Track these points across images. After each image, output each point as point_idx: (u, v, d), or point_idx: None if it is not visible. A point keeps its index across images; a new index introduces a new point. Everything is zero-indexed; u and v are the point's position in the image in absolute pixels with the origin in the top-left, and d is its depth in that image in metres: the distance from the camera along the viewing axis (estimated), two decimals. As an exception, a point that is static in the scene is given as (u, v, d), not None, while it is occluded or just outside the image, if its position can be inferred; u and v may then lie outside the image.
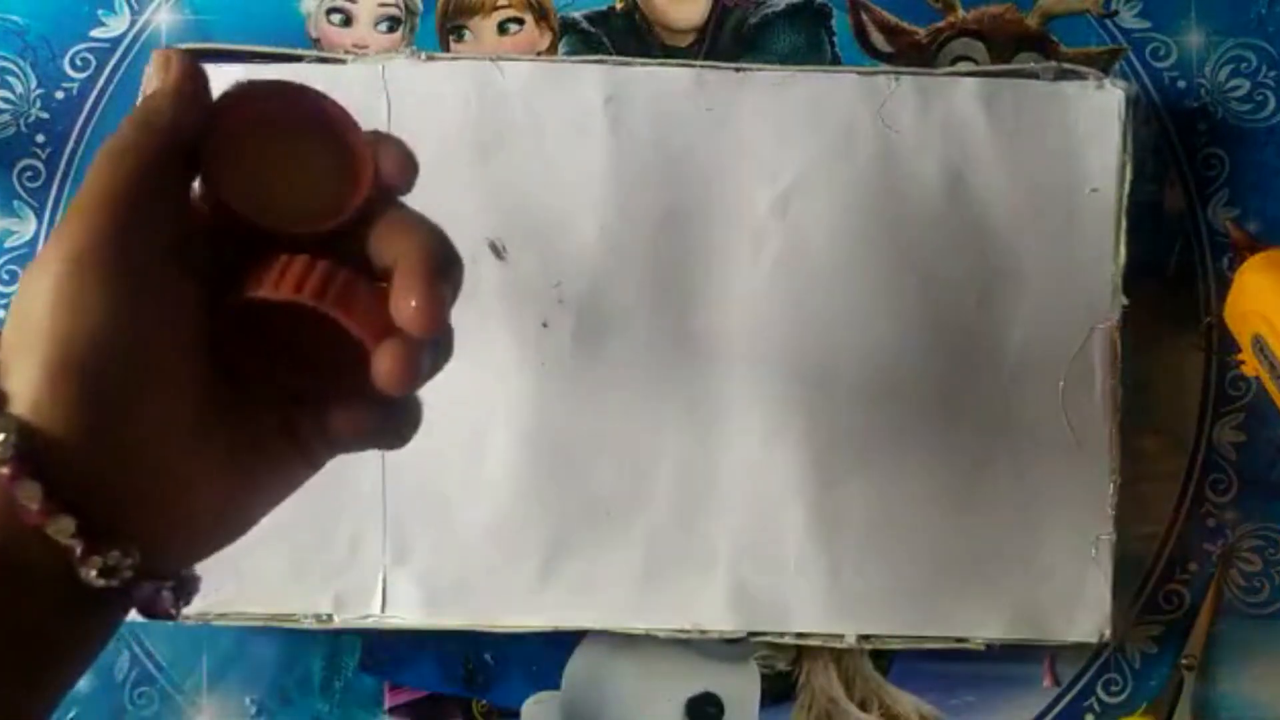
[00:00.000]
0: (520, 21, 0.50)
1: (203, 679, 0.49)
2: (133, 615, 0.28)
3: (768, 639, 0.47)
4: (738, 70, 0.47)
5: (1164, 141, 0.49)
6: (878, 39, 0.50)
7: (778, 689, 0.49)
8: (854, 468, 0.46)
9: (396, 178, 0.30)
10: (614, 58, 0.47)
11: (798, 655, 0.49)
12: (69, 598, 0.26)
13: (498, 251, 0.47)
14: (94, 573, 0.25)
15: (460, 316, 0.46)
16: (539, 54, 0.50)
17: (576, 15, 0.50)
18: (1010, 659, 0.47)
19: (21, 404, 0.25)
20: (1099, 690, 0.48)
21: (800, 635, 0.46)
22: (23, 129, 0.49)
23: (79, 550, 0.25)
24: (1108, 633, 0.46)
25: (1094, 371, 0.46)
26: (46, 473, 0.25)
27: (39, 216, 0.49)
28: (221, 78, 0.47)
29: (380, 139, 0.31)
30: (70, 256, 0.26)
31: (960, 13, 0.50)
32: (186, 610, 0.39)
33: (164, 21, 0.49)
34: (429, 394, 0.46)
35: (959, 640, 0.46)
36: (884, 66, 0.49)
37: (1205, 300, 0.49)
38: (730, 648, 0.48)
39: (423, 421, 0.33)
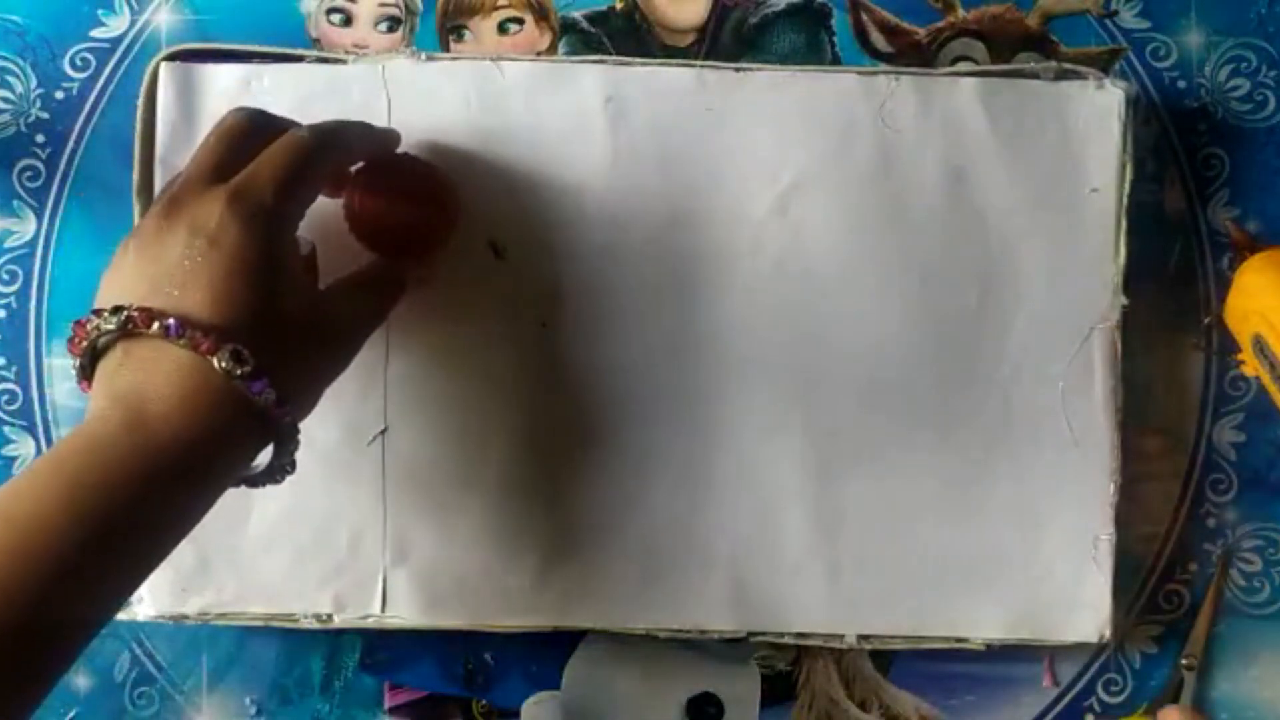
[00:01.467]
0: (520, 21, 0.50)
1: (203, 679, 0.49)
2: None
3: (768, 639, 0.47)
4: (738, 70, 0.47)
5: (1164, 141, 0.49)
6: (878, 39, 0.50)
7: (778, 689, 0.49)
8: (854, 468, 0.46)
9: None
10: (614, 58, 0.47)
11: (798, 655, 0.49)
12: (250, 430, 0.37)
13: (498, 251, 0.47)
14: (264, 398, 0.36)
15: (460, 316, 0.47)
16: (539, 54, 0.50)
17: (576, 15, 0.50)
18: (1010, 659, 0.48)
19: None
20: (1099, 690, 0.48)
21: (800, 635, 0.46)
22: (23, 129, 0.49)
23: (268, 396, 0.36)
24: (1108, 633, 0.46)
25: (1094, 371, 0.46)
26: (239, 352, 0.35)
27: (39, 216, 0.49)
28: (222, 78, 0.47)
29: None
30: (274, 211, 0.37)
31: (960, 13, 0.50)
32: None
33: (164, 21, 0.49)
34: (430, 393, 0.46)
35: (959, 640, 0.46)
36: (884, 66, 0.49)
37: (1205, 300, 0.49)
38: (730, 648, 0.48)
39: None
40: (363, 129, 0.43)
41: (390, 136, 0.45)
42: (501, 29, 0.50)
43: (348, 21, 0.50)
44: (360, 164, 0.43)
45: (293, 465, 0.39)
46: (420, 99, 0.47)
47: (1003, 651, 0.46)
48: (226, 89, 0.47)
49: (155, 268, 0.36)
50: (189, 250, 0.36)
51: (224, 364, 0.34)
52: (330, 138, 0.40)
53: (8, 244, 0.49)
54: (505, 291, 0.46)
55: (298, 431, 0.38)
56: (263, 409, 0.36)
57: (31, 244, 0.49)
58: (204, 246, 0.36)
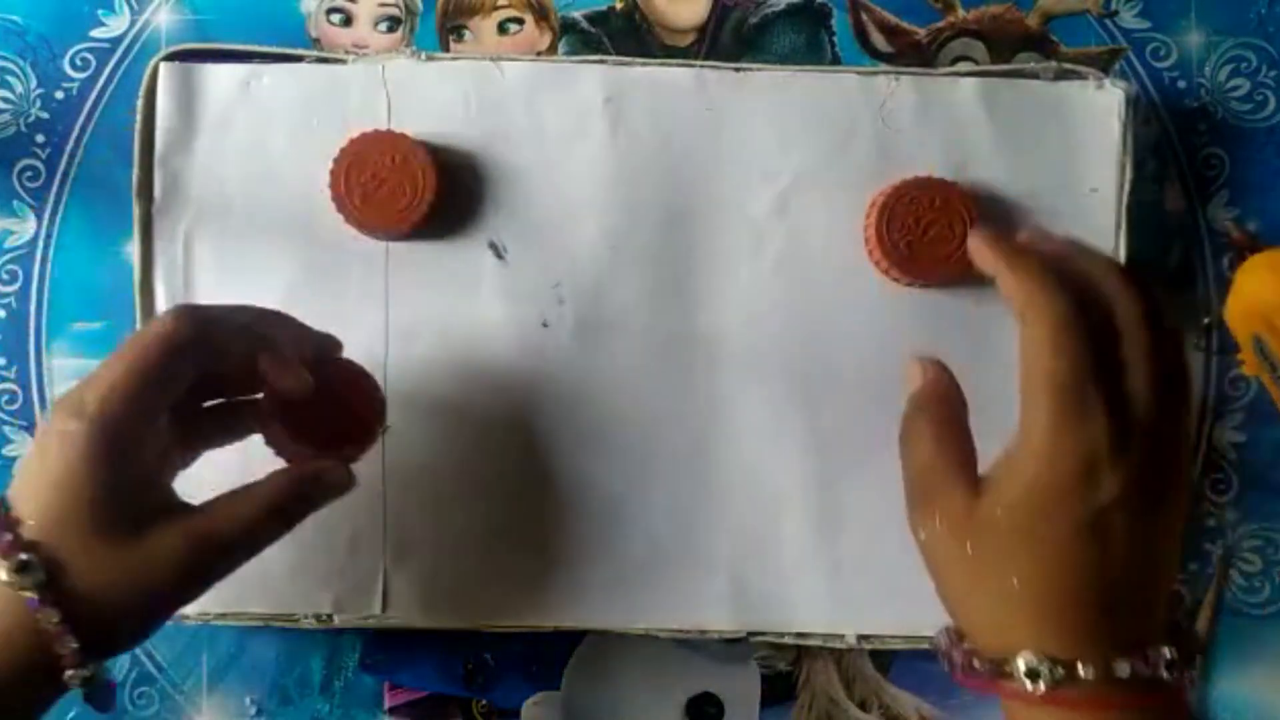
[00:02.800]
0: (520, 21, 0.50)
1: (203, 679, 0.49)
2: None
3: (768, 639, 0.47)
4: (738, 70, 0.47)
5: (1164, 141, 0.49)
6: (878, 39, 0.50)
7: (778, 689, 0.49)
8: (854, 468, 0.46)
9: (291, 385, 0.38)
10: (614, 58, 0.47)
11: (798, 655, 0.49)
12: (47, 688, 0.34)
13: (498, 251, 0.47)
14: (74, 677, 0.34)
15: (460, 316, 0.47)
16: (539, 54, 0.50)
17: (576, 15, 0.50)
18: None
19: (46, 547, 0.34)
20: (1099, 690, 0.48)
21: (800, 635, 0.46)
22: (23, 129, 0.49)
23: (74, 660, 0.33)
24: (1108, 633, 0.46)
25: (1094, 371, 0.46)
26: (61, 600, 0.33)
27: (39, 216, 0.49)
28: (222, 78, 0.47)
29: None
30: (94, 419, 0.34)
31: (960, 13, 0.50)
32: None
33: (164, 21, 0.49)
34: (432, 392, 0.46)
35: (959, 640, 0.46)
36: (884, 66, 0.49)
37: (1205, 300, 0.49)
38: (730, 648, 0.48)
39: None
40: (293, 330, 0.40)
41: (328, 343, 0.41)
42: (501, 29, 0.50)
43: (348, 21, 0.50)
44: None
45: (107, 704, 0.35)
46: (420, 99, 0.47)
47: (1003, 651, 0.46)
48: (226, 89, 0.47)
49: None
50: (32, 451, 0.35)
51: (8, 572, 0.32)
52: (211, 334, 0.36)
53: (8, 244, 0.49)
54: (505, 291, 0.46)
55: (98, 674, 0.34)
56: (48, 634, 0.33)
57: (31, 244, 0.49)
58: (33, 451, 0.35)
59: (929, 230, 0.44)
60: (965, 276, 0.45)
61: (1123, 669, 0.32)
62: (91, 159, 0.49)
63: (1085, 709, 0.32)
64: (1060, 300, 0.34)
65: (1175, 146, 0.49)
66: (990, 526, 0.34)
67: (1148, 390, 0.34)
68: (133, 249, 0.47)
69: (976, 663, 0.34)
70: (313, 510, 0.39)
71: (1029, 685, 0.32)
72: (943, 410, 0.38)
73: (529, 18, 0.50)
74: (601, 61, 0.47)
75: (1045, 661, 0.32)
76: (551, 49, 0.50)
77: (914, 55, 0.50)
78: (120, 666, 0.48)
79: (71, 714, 0.48)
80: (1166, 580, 0.35)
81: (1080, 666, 0.32)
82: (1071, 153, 0.46)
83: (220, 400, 0.40)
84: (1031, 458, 0.34)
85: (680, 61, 0.48)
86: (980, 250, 0.38)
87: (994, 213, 0.46)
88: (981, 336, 0.46)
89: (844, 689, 0.49)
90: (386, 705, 0.49)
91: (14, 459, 0.49)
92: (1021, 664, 0.33)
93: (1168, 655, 0.32)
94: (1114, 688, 0.32)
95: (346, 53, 0.48)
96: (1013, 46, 0.49)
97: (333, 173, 0.45)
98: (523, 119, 0.47)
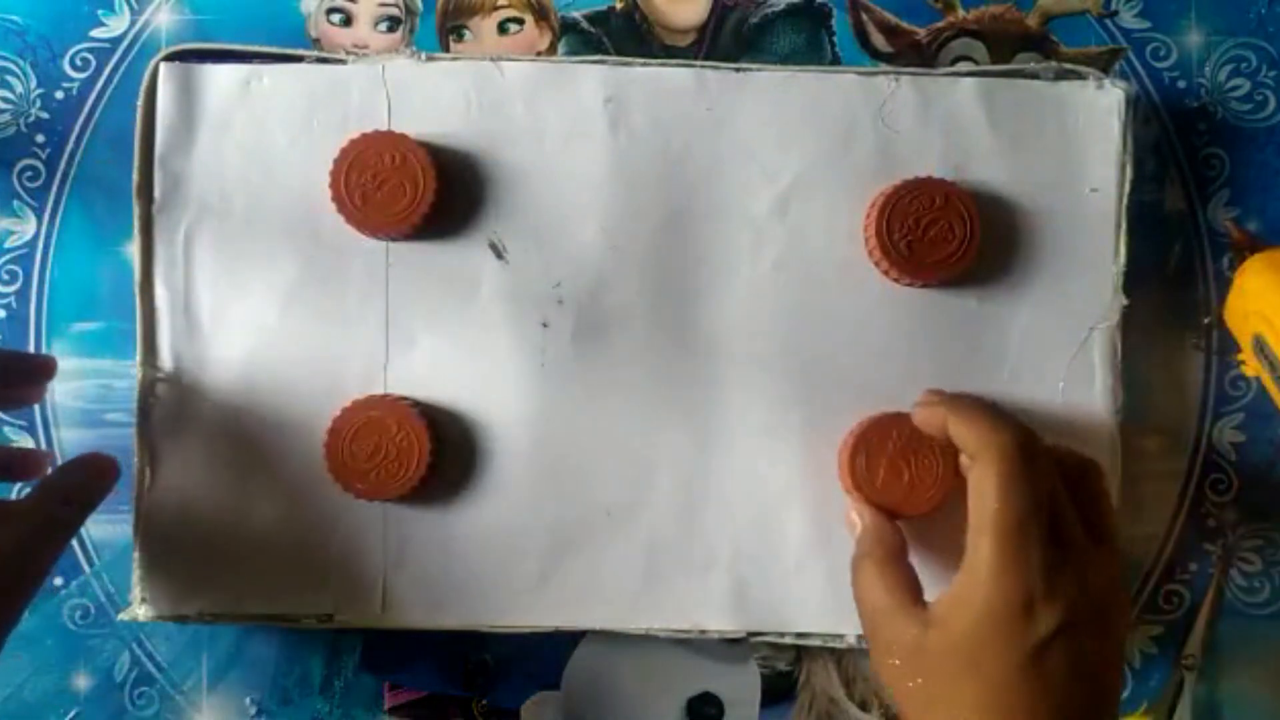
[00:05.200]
0: (520, 21, 0.50)
1: (203, 679, 0.49)
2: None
3: (768, 639, 0.47)
4: (738, 70, 0.47)
5: (1164, 141, 0.49)
6: (878, 39, 0.50)
7: (778, 689, 0.49)
8: (854, 468, 0.46)
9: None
10: (614, 58, 0.47)
11: (798, 655, 0.49)
12: None
13: (498, 251, 0.47)
14: None
15: (460, 316, 0.47)
16: (539, 54, 0.50)
17: (576, 15, 0.50)
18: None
19: None
20: (1099, 690, 0.48)
21: (800, 635, 0.46)
22: (23, 129, 0.49)
23: None
24: (1108, 633, 0.46)
25: (1094, 371, 0.46)
26: None
27: (39, 216, 0.49)
28: (222, 78, 0.47)
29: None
30: None
31: (960, 13, 0.50)
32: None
33: (164, 21, 0.49)
34: (430, 393, 0.46)
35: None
36: (884, 66, 0.49)
37: (1205, 300, 0.49)
38: (730, 648, 0.48)
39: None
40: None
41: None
42: (501, 29, 0.50)
43: (348, 21, 0.50)
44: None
45: None
46: (420, 99, 0.47)
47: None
48: (226, 89, 0.47)
49: None
50: None
51: None
52: None
53: (8, 244, 0.49)
54: (505, 291, 0.46)
55: None
56: None
57: (31, 244, 0.49)
58: None
59: (929, 230, 0.44)
60: (965, 277, 0.45)
61: None
62: (91, 159, 0.49)
63: None
64: (1009, 438, 0.38)
65: (1175, 146, 0.49)
66: (939, 661, 0.37)
67: (1083, 524, 0.39)
68: (133, 249, 0.47)
69: None
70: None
71: None
72: (883, 552, 0.41)
73: (529, 18, 0.50)
74: (601, 61, 0.47)
75: None
76: (551, 49, 0.50)
77: (914, 55, 0.50)
78: (120, 666, 0.49)
79: (72, 714, 0.48)
80: (1109, 708, 0.38)
81: None
82: (1071, 153, 0.46)
83: None
84: (975, 594, 0.36)
85: (680, 61, 0.48)
86: (925, 409, 0.42)
87: (994, 213, 0.46)
88: (981, 336, 0.46)
89: (844, 689, 0.49)
90: (386, 705, 0.49)
91: (14, 459, 0.49)
92: None
93: None
94: None
95: (346, 53, 0.48)
96: (1013, 46, 0.49)
97: (333, 173, 0.45)
98: (523, 119, 0.47)
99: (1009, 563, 0.36)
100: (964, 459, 0.40)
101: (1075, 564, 0.37)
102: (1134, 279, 0.46)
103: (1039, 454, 0.38)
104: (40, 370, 0.45)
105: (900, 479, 0.44)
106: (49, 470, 0.46)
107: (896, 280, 0.46)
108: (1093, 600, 0.37)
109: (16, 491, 0.47)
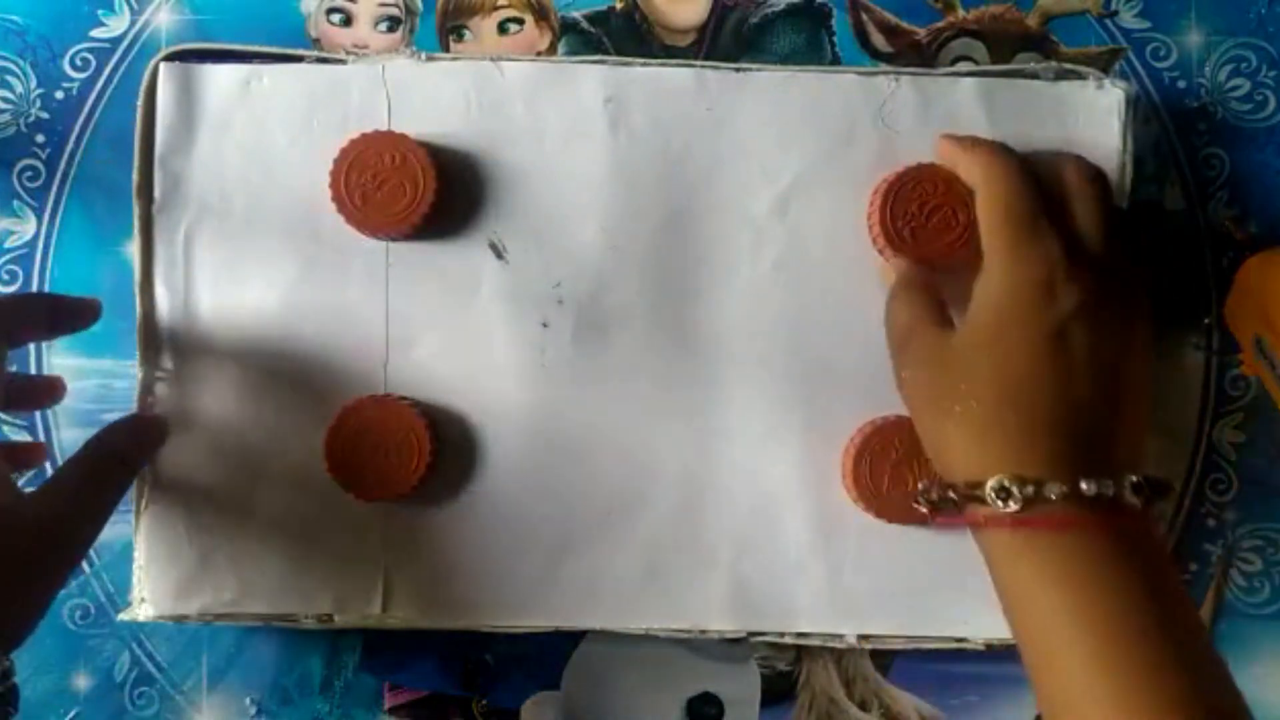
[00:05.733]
0: (520, 21, 0.50)
1: (203, 679, 0.49)
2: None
3: (768, 639, 0.47)
4: (738, 70, 0.47)
5: (1164, 141, 0.49)
6: (878, 39, 0.50)
7: (778, 689, 0.49)
8: (854, 468, 0.46)
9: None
10: (614, 58, 0.47)
11: (798, 655, 0.49)
12: None
13: (498, 251, 0.47)
14: None
15: (460, 316, 0.47)
16: (539, 54, 0.50)
17: (576, 15, 0.50)
18: (1010, 659, 0.47)
19: None
20: (1099, 690, 0.48)
21: (800, 635, 0.46)
22: (23, 129, 0.49)
23: None
24: (1108, 633, 0.46)
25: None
26: None
27: (39, 216, 0.49)
28: (222, 78, 0.47)
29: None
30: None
31: (960, 13, 0.50)
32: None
33: (164, 21, 0.49)
34: (430, 393, 0.46)
35: (959, 640, 0.46)
36: (884, 66, 0.49)
37: (1205, 300, 0.49)
38: (730, 648, 0.48)
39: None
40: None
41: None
42: (501, 29, 0.50)
43: (348, 21, 0.50)
44: None
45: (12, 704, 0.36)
46: (420, 99, 0.47)
47: (1003, 651, 0.46)
48: (226, 89, 0.47)
49: None
50: None
51: None
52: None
53: (8, 244, 0.49)
54: (505, 291, 0.46)
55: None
56: None
57: (31, 244, 0.49)
58: None
59: (932, 217, 0.44)
60: (969, 264, 0.45)
61: (1089, 487, 0.34)
62: (91, 159, 0.49)
63: (1054, 528, 0.34)
64: (1013, 162, 0.40)
65: (1175, 146, 0.49)
66: (958, 350, 0.37)
67: (1095, 227, 0.39)
68: (133, 249, 0.47)
69: (951, 493, 0.36)
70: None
71: (999, 505, 0.34)
72: (925, 282, 0.41)
73: (529, 18, 0.50)
74: (601, 61, 0.47)
75: (1015, 482, 0.34)
76: (551, 49, 0.50)
77: (914, 55, 0.50)
78: (120, 666, 0.49)
79: (72, 714, 0.48)
80: (1132, 412, 0.37)
81: (1047, 485, 0.34)
82: (1071, 153, 0.46)
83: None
84: (993, 282, 0.37)
85: (680, 61, 0.48)
86: (941, 146, 0.43)
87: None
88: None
89: (844, 689, 0.49)
90: (386, 705, 0.49)
91: (14, 459, 0.49)
92: (991, 486, 0.34)
93: (1134, 479, 0.34)
94: (1082, 506, 0.34)
95: (346, 53, 0.48)
96: (1013, 46, 0.49)
97: (333, 173, 0.45)
98: (523, 119, 0.47)
99: (1028, 247, 0.37)
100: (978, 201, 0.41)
101: (1091, 248, 0.38)
102: (1134, 279, 0.46)
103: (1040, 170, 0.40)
104: (45, 391, 0.46)
105: (904, 486, 0.44)
106: (45, 463, 0.47)
107: None
108: (1109, 288, 0.37)
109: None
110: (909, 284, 0.41)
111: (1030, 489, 0.34)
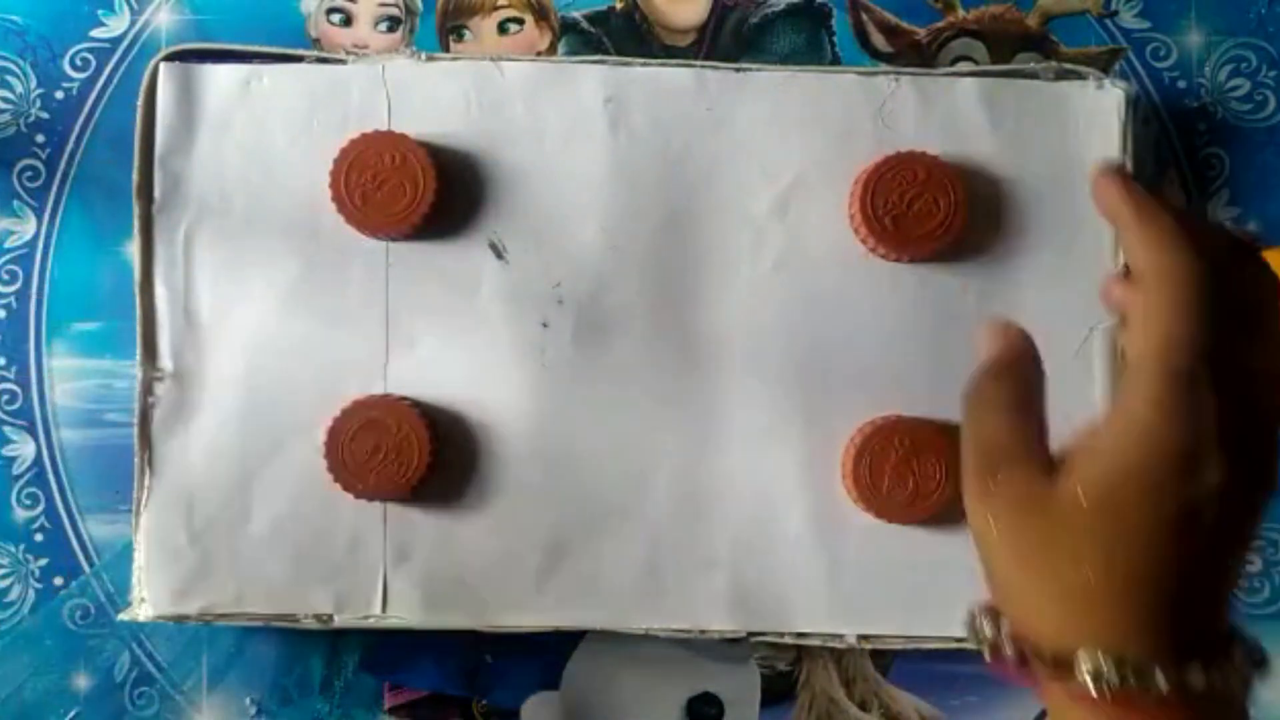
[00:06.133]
0: (520, 21, 0.50)
1: (203, 679, 0.49)
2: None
3: (768, 639, 0.47)
4: (738, 70, 0.47)
5: (1164, 141, 0.49)
6: (878, 39, 0.50)
7: (778, 689, 0.49)
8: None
9: None
10: (614, 58, 0.47)
11: (798, 655, 0.49)
12: None
13: (498, 251, 0.47)
14: None
15: (460, 316, 0.47)
16: (539, 54, 0.50)
17: (576, 15, 0.50)
18: (1010, 659, 0.47)
19: None
20: (1099, 690, 0.48)
21: (800, 635, 0.46)
22: (23, 129, 0.49)
23: None
24: (1108, 633, 0.46)
25: (1094, 371, 0.46)
26: None
27: (39, 216, 0.49)
28: (221, 78, 0.47)
29: None
30: None
31: (960, 13, 0.50)
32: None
33: (164, 21, 0.49)
34: (429, 393, 0.46)
35: (959, 640, 0.46)
36: (884, 66, 0.49)
37: (1205, 300, 0.49)
38: (730, 648, 0.48)
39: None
40: None
41: None
42: (501, 29, 0.50)
43: (348, 21, 0.50)
44: None
45: None
46: (420, 99, 0.47)
47: (1003, 651, 0.46)
48: (226, 89, 0.47)
49: None
50: None
51: None
52: None
53: (8, 244, 0.49)
54: (505, 291, 0.46)
55: None
56: None
57: (31, 244, 0.49)
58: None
59: (913, 205, 0.44)
60: (950, 251, 0.45)
61: (1197, 678, 0.30)
62: (91, 159, 0.49)
63: (1149, 714, 0.30)
64: (1196, 263, 0.30)
65: (1175, 146, 0.49)
66: (1067, 510, 0.30)
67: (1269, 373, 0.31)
68: (133, 249, 0.47)
69: (1036, 659, 0.31)
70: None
71: (1092, 687, 0.30)
72: (1021, 378, 0.34)
73: (529, 18, 0.50)
74: (601, 61, 0.47)
75: (1112, 663, 0.30)
76: (551, 49, 0.50)
77: (914, 55, 0.50)
78: (120, 666, 0.49)
79: (72, 714, 0.48)
80: (1234, 582, 0.33)
81: (1151, 676, 0.30)
82: (1071, 153, 0.46)
83: None
84: (1130, 437, 0.30)
85: (680, 61, 0.48)
86: (1106, 190, 0.33)
87: (993, 213, 0.46)
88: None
89: (844, 689, 0.49)
90: (386, 705, 0.49)
91: (14, 459, 0.49)
92: (1086, 664, 0.30)
93: (1237, 659, 0.31)
94: (1185, 694, 0.30)
95: (346, 53, 0.48)
96: (1013, 46, 0.49)
97: (333, 173, 0.45)
98: (523, 119, 0.47)
99: (1180, 404, 0.29)
100: (1128, 272, 0.33)
101: (1256, 409, 0.30)
102: (1134, 279, 0.46)
103: (1228, 280, 0.30)
104: None
105: (904, 486, 0.44)
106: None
107: (884, 257, 0.46)
108: (1251, 463, 0.30)
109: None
110: (1007, 383, 0.33)
111: (1132, 679, 0.30)
